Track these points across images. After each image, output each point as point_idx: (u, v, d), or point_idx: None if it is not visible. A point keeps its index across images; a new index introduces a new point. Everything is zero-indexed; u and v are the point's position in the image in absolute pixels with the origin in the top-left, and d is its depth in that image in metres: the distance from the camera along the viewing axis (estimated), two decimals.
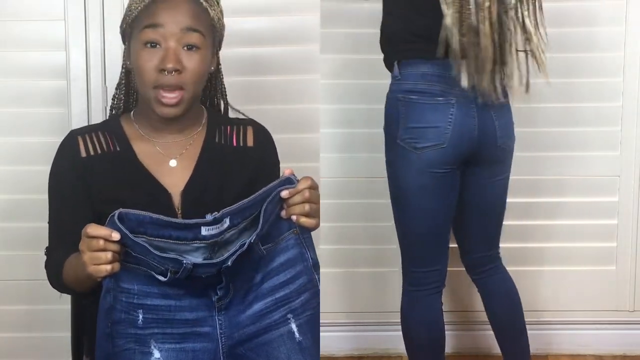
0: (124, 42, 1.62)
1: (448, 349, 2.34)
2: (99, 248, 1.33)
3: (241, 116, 1.74)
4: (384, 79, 2.41)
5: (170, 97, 1.51)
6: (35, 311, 2.35)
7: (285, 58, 2.28)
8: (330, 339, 2.52)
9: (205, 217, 1.39)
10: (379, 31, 2.35)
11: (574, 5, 2.36)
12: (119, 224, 1.34)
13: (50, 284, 1.58)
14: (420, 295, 1.99)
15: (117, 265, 1.35)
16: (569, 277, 2.52)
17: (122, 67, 1.65)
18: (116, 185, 1.56)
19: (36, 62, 2.26)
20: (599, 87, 2.42)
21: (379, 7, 2.38)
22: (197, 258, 1.40)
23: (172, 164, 1.59)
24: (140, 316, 1.40)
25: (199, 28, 1.52)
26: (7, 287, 2.35)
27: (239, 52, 2.25)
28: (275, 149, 1.72)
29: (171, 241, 1.38)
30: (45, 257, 1.62)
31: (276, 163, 1.72)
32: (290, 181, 1.46)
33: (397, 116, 1.87)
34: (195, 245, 1.40)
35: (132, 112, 1.66)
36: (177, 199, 1.56)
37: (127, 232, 1.34)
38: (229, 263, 1.39)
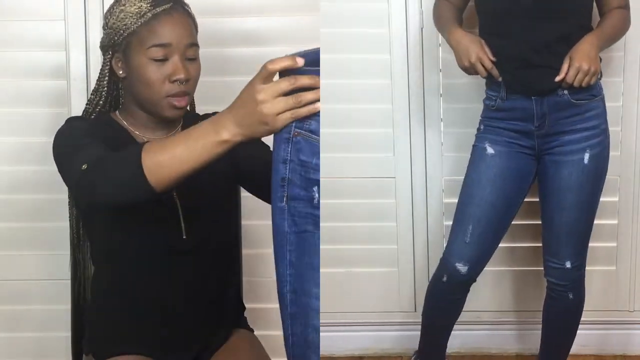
0: (107, 53, 1.69)
1: (449, 349, 2.34)
2: (286, 89, 1.25)
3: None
4: (384, 79, 2.42)
5: (182, 102, 1.67)
6: (35, 311, 2.35)
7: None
8: (330, 339, 2.52)
9: None
10: (379, 31, 2.36)
11: None
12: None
13: (116, 179, 1.36)
14: None
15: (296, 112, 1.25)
16: None
17: (106, 76, 1.73)
18: None
19: (36, 62, 2.26)
20: None
21: (379, 7, 2.39)
22: None
23: None
24: (317, 195, 1.30)
25: (196, 41, 1.70)
26: (7, 287, 2.35)
27: (240, 52, 2.26)
28: None
29: None
30: (91, 167, 1.41)
31: None
32: None
33: None
34: None
35: (117, 112, 1.76)
36: None
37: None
38: None
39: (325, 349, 2.47)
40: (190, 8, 1.72)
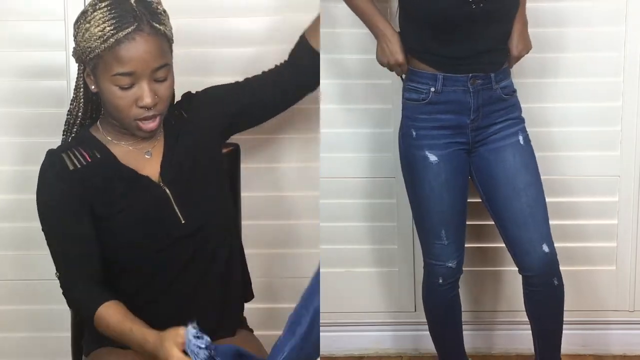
0: (80, 65, 1.69)
1: None
2: None
3: None
4: (384, 79, 2.41)
5: (151, 125, 1.66)
6: (35, 311, 2.35)
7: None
8: (330, 339, 2.52)
9: None
10: None
11: (573, 5, 2.36)
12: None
13: (76, 311, 1.80)
14: None
15: None
16: (569, 277, 2.49)
17: (81, 86, 1.72)
18: (107, 189, 1.68)
19: (36, 62, 2.26)
20: (599, 87, 2.41)
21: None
22: None
23: (147, 156, 1.74)
24: None
25: (166, 62, 1.64)
26: (7, 287, 2.35)
27: (239, 52, 2.25)
28: (201, 91, 1.86)
29: None
30: (61, 282, 1.74)
31: (206, 91, 1.87)
32: None
33: None
34: None
35: (98, 122, 1.76)
36: (156, 178, 1.72)
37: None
38: None
39: (325, 349, 2.47)
40: (161, 20, 1.64)
